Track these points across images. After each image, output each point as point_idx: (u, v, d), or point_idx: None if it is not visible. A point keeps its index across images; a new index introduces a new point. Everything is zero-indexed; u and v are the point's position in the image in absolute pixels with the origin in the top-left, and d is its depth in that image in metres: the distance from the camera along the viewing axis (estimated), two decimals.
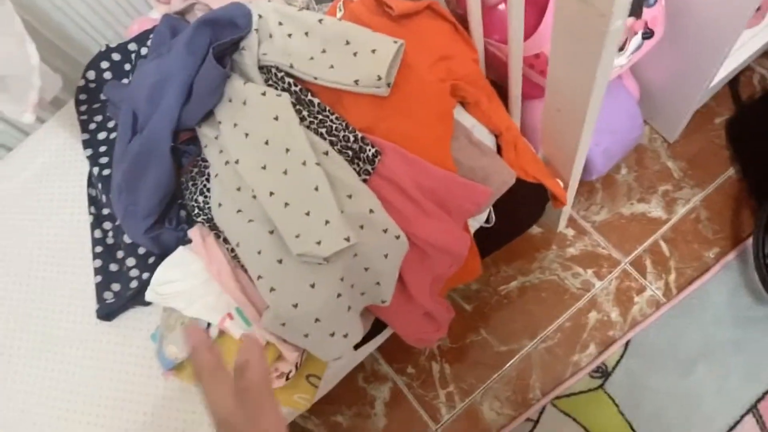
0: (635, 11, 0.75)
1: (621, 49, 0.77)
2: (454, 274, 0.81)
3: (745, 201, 1.02)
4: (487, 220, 0.82)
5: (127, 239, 0.87)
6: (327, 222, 0.64)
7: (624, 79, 0.99)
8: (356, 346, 0.80)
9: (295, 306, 0.65)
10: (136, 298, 0.84)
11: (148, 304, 0.85)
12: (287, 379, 0.72)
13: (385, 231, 0.69)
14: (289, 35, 0.75)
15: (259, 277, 0.67)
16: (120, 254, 0.88)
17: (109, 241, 0.90)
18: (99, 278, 0.88)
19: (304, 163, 0.67)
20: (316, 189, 0.66)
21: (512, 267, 1.08)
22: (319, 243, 0.64)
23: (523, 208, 0.85)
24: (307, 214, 0.65)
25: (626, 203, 1.08)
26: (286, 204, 0.67)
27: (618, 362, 0.99)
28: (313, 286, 0.65)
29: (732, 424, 0.93)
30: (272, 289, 0.66)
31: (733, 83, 1.09)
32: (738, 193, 1.04)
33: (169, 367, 0.75)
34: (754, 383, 0.94)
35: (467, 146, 0.76)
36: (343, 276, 0.66)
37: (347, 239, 0.64)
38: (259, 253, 0.68)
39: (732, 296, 0.99)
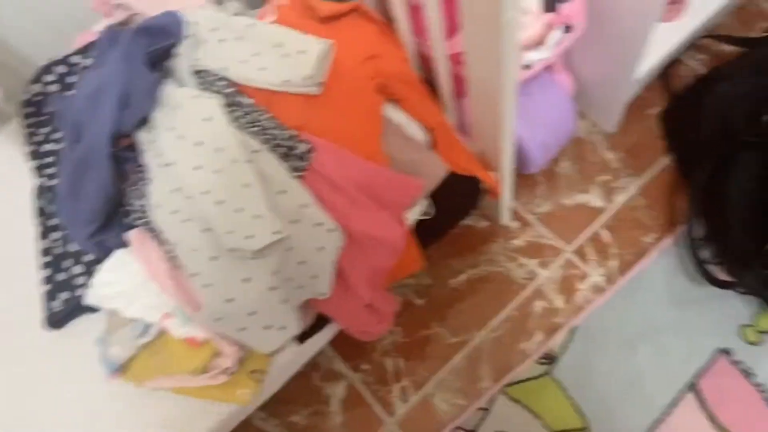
0: (550, 7, 0.79)
1: (541, 43, 0.81)
2: (396, 266, 0.84)
3: (680, 188, 1.06)
4: (426, 212, 0.85)
5: (71, 247, 0.88)
6: (257, 217, 0.67)
7: (557, 74, 1.03)
8: (302, 340, 0.82)
9: (230, 301, 0.67)
10: (85, 305, 0.85)
11: (97, 311, 0.86)
12: (229, 375, 0.74)
13: (319, 225, 0.71)
14: (223, 40, 0.78)
15: (195, 274, 0.69)
16: (67, 263, 0.88)
17: (57, 251, 0.91)
18: (47, 287, 0.88)
19: (234, 162, 0.69)
20: (247, 186, 0.68)
21: (461, 261, 1.11)
22: (249, 238, 0.66)
23: (458, 199, 0.88)
24: (239, 210, 0.68)
25: (568, 194, 1.12)
26: (219, 202, 0.69)
27: (563, 348, 1.02)
28: (246, 280, 0.67)
29: (673, 401, 0.96)
30: (207, 285, 0.68)
31: (665, 75, 1.13)
32: (673, 181, 1.08)
33: (113, 369, 0.76)
34: (693, 361, 0.98)
35: (399, 141, 0.78)
36: (278, 270, 0.69)
37: (277, 233, 0.66)
38: (194, 251, 0.69)
39: (670, 279, 1.02)
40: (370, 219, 0.75)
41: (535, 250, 1.09)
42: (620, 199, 1.09)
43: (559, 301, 1.05)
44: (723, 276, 0.97)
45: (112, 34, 0.85)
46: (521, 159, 1.05)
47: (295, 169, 0.73)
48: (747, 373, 0.96)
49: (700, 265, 0.96)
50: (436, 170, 0.80)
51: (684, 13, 0.98)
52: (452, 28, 0.78)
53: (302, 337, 0.83)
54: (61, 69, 0.96)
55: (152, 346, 0.75)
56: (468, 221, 1.13)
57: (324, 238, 0.72)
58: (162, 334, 0.74)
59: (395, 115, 0.80)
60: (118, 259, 0.75)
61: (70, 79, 0.96)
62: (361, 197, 0.74)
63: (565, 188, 1.12)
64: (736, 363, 0.97)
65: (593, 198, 1.10)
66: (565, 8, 0.80)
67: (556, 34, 0.81)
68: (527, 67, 0.81)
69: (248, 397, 0.78)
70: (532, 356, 1.02)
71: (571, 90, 1.05)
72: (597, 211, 1.09)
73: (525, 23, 0.78)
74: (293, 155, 0.72)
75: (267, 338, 0.70)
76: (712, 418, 0.94)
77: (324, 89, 0.74)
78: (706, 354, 0.98)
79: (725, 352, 0.97)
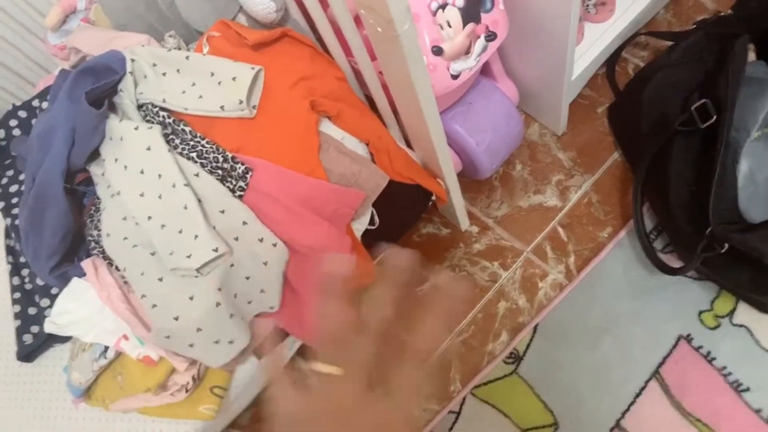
0: (473, 17, 0.83)
1: (467, 53, 0.85)
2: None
3: (630, 181, 1.09)
4: (372, 223, 0.88)
5: (40, 281, 0.92)
6: (196, 236, 0.70)
7: (499, 81, 1.07)
8: (260, 354, 0.85)
9: (176, 318, 0.70)
10: (54, 336, 0.89)
11: (67, 340, 0.90)
12: (187, 391, 0.76)
13: (261, 240, 0.75)
14: (164, 74, 0.82)
15: (143, 296, 0.72)
16: (37, 298, 0.92)
17: (27, 286, 0.95)
18: (18, 322, 0.92)
19: (174, 186, 0.73)
20: (185, 208, 0.71)
21: (425, 269, 1.13)
22: (189, 257, 0.69)
23: (404, 208, 0.91)
24: (180, 231, 0.71)
25: (523, 196, 1.14)
26: (163, 225, 0.72)
27: (528, 346, 1.04)
28: (191, 298, 0.70)
29: (638, 390, 0.97)
30: (154, 306, 0.71)
31: (610, 73, 1.17)
32: (623, 175, 1.11)
33: (77, 395, 0.79)
34: (654, 349, 0.99)
35: (337, 156, 0.82)
36: (221, 286, 0.72)
37: (215, 250, 0.69)
38: (142, 274, 0.73)
39: (627, 270, 1.04)
40: (313, 232, 0.78)
41: (495, 252, 1.12)
42: (574, 197, 1.12)
43: (522, 301, 1.07)
44: (676, 263, 0.98)
45: (66, 75, 0.90)
46: (472, 166, 1.08)
47: (235, 189, 0.76)
48: (708, 358, 0.97)
49: (652, 254, 0.98)
50: (376, 181, 0.83)
51: (612, 13, 1.02)
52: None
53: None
54: (23, 113, 1.01)
55: (112, 369, 0.78)
56: (430, 230, 1.16)
57: (267, 253, 0.75)
58: (120, 356, 0.77)
59: (334, 130, 0.83)
60: (74, 287, 0.78)
61: (32, 123, 1.01)
62: (302, 211, 0.78)
63: (520, 191, 1.15)
64: (697, 348, 0.98)
65: (548, 198, 1.13)
66: (487, 18, 0.84)
67: (480, 44, 0.85)
68: (455, 77, 0.85)
69: (212, 413, 0.80)
70: (499, 356, 1.04)
71: (515, 96, 1.09)
72: (553, 211, 1.12)
73: (449, 35, 0.82)
74: (232, 176, 0.76)
75: (216, 353, 0.72)
76: (677, 405, 0.95)
77: (258, 111, 0.78)
78: (667, 341, 0.99)
79: (686, 338, 0.99)
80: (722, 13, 0.93)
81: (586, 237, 1.09)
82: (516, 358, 1.04)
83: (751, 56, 0.99)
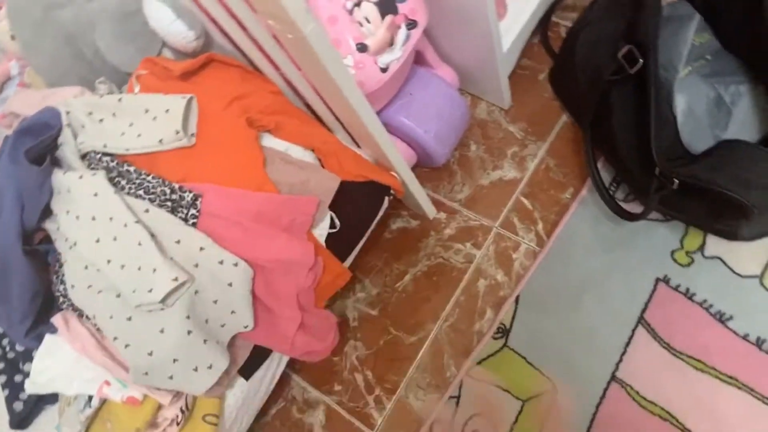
0: (390, 9, 0.85)
1: (391, 44, 0.86)
2: (323, 281, 0.87)
3: (581, 140, 1.10)
4: (333, 226, 0.89)
5: (20, 348, 0.92)
6: (154, 270, 0.71)
7: (436, 68, 1.09)
8: (247, 376, 0.85)
9: (150, 353, 0.70)
10: (45, 398, 0.89)
11: (57, 400, 0.90)
12: (178, 424, 0.77)
13: (221, 263, 0.75)
14: (101, 120, 0.83)
15: (115, 338, 0.72)
16: (21, 365, 0.92)
17: (9, 355, 0.95)
18: (6, 392, 0.92)
19: (125, 225, 0.73)
20: (140, 244, 0.72)
21: (403, 263, 1.14)
22: (151, 291, 0.70)
23: (362, 205, 0.92)
24: (139, 269, 0.72)
25: (483, 174, 1.16)
26: (122, 266, 0.73)
27: (513, 318, 1.05)
28: (162, 331, 0.71)
29: (627, 340, 0.98)
30: (127, 345, 0.71)
31: (544, 40, 1.19)
32: (575, 135, 1.12)
33: None
34: (635, 297, 1.00)
35: (284, 166, 0.83)
36: (189, 314, 0.72)
37: (175, 279, 0.70)
38: (111, 317, 0.73)
39: (594, 226, 1.06)
40: (273, 245, 0.79)
41: (466, 234, 1.13)
42: (532, 165, 1.13)
43: (499, 275, 1.08)
44: (639, 210, 1.00)
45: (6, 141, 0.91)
46: (426, 155, 1.10)
47: (188, 217, 0.77)
48: (688, 295, 0.98)
49: (613, 205, 0.99)
50: (327, 184, 0.84)
51: None
52: None
53: (247, 373, 0.86)
54: None
55: (100, 417, 0.78)
56: (400, 224, 1.17)
57: (229, 274, 0.76)
58: (105, 403, 0.77)
59: (277, 143, 0.84)
60: (48, 344, 0.78)
61: None
62: (258, 227, 0.79)
63: (479, 169, 1.16)
64: (675, 288, 0.99)
65: (507, 171, 1.15)
66: (403, 7, 0.86)
67: (401, 33, 0.86)
68: (384, 70, 0.86)
69: None
70: (487, 334, 1.05)
71: (455, 79, 1.11)
72: (514, 183, 1.13)
73: (370, 31, 0.84)
74: (182, 205, 0.77)
75: (197, 380, 0.73)
76: (667, 346, 0.96)
77: (198, 138, 0.79)
78: (646, 287, 1.00)
79: (663, 280, 1.00)
80: None
81: (550, 201, 1.10)
82: (504, 332, 1.04)
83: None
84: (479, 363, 1.04)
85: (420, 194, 1.05)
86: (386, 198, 0.95)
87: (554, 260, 1.06)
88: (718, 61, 0.95)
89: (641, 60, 0.86)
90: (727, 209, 0.80)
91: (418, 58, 1.07)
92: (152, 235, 0.74)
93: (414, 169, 1.18)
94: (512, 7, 1.05)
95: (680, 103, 0.90)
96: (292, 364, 1.12)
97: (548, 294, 1.05)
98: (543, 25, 1.18)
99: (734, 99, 0.92)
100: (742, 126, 0.92)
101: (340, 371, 1.11)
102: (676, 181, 0.83)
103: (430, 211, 1.13)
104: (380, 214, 0.99)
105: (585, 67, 0.99)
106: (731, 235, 0.94)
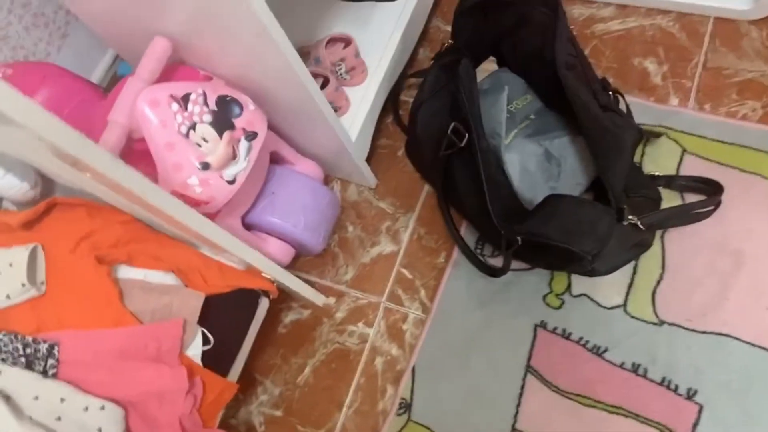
0: (226, 126, 0.89)
1: (234, 157, 0.90)
2: (207, 400, 0.87)
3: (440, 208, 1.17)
4: (207, 342, 0.89)
5: None
6: None
7: (296, 164, 1.13)
8: None
9: None
10: None
11: None
12: None
13: (86, 409, 0.74)
14: None
15: None
16: None
17: None
18: None
19: None
20: None
21: (300, 355, 1.15)
22: None
23: (233, 315, 0.93)
24: None
25: (364, 253, 1.20)
26: None
27: (413, 390, 1.06)
28: None
29: (519, 390, 1.02)
30: None
31: (396, 119, 1.27)
32: (437, 203, 1.19)
33: None
34: (518, 347, 1.05)
35: (143, 295, 0.83)
36: None
37: None
38: None
39: (470, 284, 1.11)
40: (141, 378, 0.78)
41: (357, 314, 1.15)
42: (405, 236, 1.19)
43: (393, 350, 1.11)
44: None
45: None
46: (302, 246, 1.13)
47: (47, 369, 0.75)
48: (565, 335, 1.04)
49: (479, 263, 1.05)
50: (191, 303, 0.85)
51: (366, 74, 1.12)
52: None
53: None
54: None
55: None
56: (292, 317, 1.18)
57: (96, 419, 0.74)
58: None
59: (134, 272, 0.85)
60: None
61: None
62: (123, 363, 0.78)
63: (359, 249, 1.20)
64: (553, 330, 1.05)
65: (385, 246, 1.19)
66: (240, 121, 0.91)
67: (243, 145, 0.91)
68: (231, 182, 0.90)
69: None
70: (391, 412, 1.06)
71: (317, 171, 1.16)
72: (392, 256, 1.18)
73: (210, 149, 0.87)
74: (38, 358, 0.75)
75: None
76: (556, 389, 1.00)
77: (48, 285, 0.79)
78: (527, 335, 1.05)
79: (541, 325, 1.05)
80: (446, 44, 1.05)
81: (428, 268, 1.15)
82: (406, 407, 1.06)
83: (494, 67, 1.12)
84: None
85: (300, 287, 1.07)
86: (261, 300, 0.97)
87: (439, 325, 1.10)
88: (541, 119, 1.04)
89: (467, 134, 0.94)
90: (569, 255, 0.87)
91: (277, 158, 1.12)
92: (7, 398, 0.71)
93: (297, 259, 1.21)
94: (354, 99, 1.12)
95: (514, 164, 0.98)
96: None
97: (440, 359, 1.08)
98: (394, 105, 1.26)
99: (561, 151, 1.01)
100: (573, 174, 1.01)
101: None
102: (518, 238, 0.89)
103: (318, 299, 1.15)
104: (261, 315, 1.00)
105: (427, 143, 1.06)
106: (589, 274, 1.01)
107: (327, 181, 1.26)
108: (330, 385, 1.11)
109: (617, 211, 0.88)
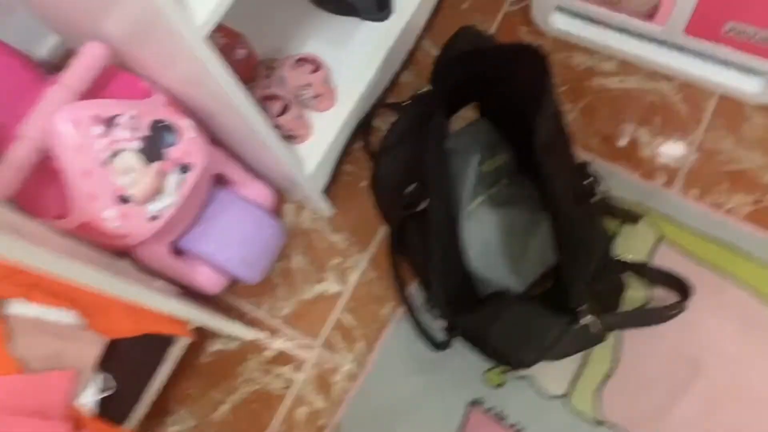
0: (155, 156, 0.78)
1: (160, 192, 0.80)
2: None
3: (389, 265, 1.07)
4: (108, 387, 0.81)
5: None
6: None
7: (244, 188, 1.03)
8: None
9: None
10: None
11: None
12: None
13: None
14: None
15: None
16: None
17: None
18: None
19: None
20: None
21: (220, 390, 1.07)
22: None
23: (140, 359, 0.84)
24: None
25: (306, 288, 1.11)
26: None
27: None
28: None
29: None
30: None
31: (366, 146, 1.16)
32: (388, 255, 1.09)
33: None
34: (449, 422, 0.98)
35: (35, 338, 0.74)
36: None
37: None
38: None
39: (410, 346, 1.03)
40: None
41: (286, 356, 1.07)
42: (354, 278, 1.10)
43: (319, 402, 1.04)
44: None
45: None
46: (236, 278, 1.04)
47: None
48: (499, 418, 0.97)
49: (421, 332, 0.98)
50: (88, 352, 0.76)
51: (334, 101, 1.01)
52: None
53: None
54: None
55: None
56: (218, 346, 1.10)
57: None
58: None
59: (26, 310, 0.75)
60: None
61: None
62: (4, 419, 0.69)
63: (302, 283, 1.12)
64: (487, 411, 0.98)
65: (330, 285, 1.11)
66: (174, 151, 0.80)
67: (173, 178, 0.80)
68: (155, 218, 0.80)
69: None
70: None
71: (266, 196, 1.06)
72: (335, 297, 1.09)
73: (133, 180, 0.77)
74: None
75: None
76: None
77: None
78: (459, 411, 0.99)
79: (476, 403, 0.99)
80: (421, 90, 0.94)
81: (370, 317, 1.07)
82: None
83: (474, 115, 1.01)
84: None
85: (225, 326, 0.99)
86: (178, 339, 0.88)
87: (372, 385, 1.03)
88: (513, 187, 0.95)
89: (428, 199, 0.84)
90: (508, 357, 0.79)
91: (224, 179, 1.01)
92: None
93: (234, 284, 1.12)
94: (318, 126, 1.01)
95: (474, 237, 0.90)
96: None
97: (366, 421, 1.01)
98: (365, 132, 1.16)
99: (529, 228, 0.92)
100: (538, 255, 0.93)
101: None
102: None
103: (247, 334, 1.06)
104: (176, 354, 0.92)
105: (386, 191, 0.97)
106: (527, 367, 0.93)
107: (280, 202, 1.16)
108: (246, 429, 1.04)
109: (573, 313, 0.80)
